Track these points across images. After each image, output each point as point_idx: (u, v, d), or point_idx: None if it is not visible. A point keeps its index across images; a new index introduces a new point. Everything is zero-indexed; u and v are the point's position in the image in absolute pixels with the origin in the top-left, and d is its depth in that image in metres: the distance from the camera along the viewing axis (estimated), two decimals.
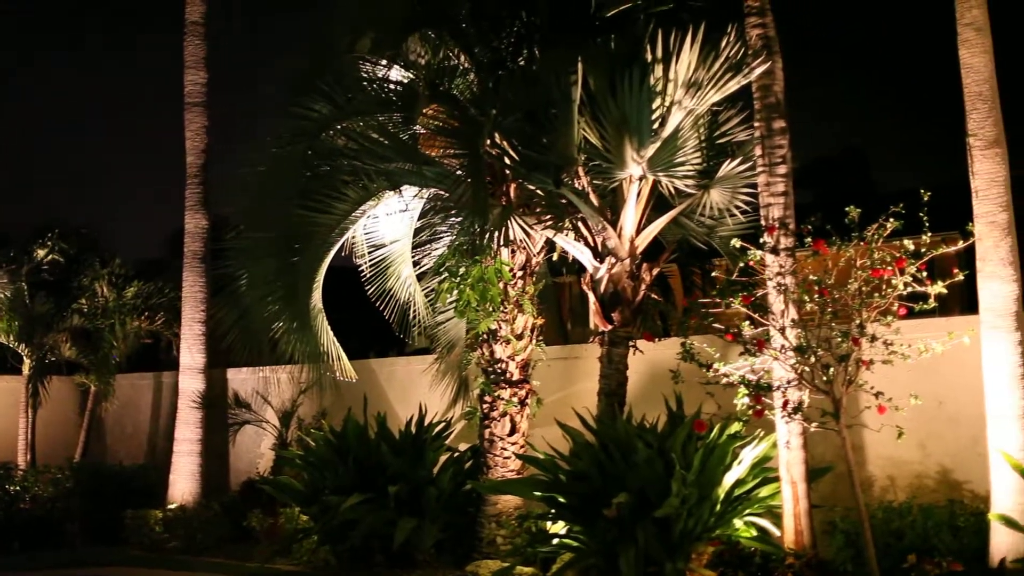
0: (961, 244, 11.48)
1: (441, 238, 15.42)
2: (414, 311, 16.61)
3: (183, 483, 20.04)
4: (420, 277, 16.46)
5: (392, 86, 14.81)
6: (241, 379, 22.40)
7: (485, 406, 15.12)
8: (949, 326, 12.17)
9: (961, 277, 11.18)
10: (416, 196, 15.24)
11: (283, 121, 15.04)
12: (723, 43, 12.96)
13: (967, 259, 11.67)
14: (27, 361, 23.62)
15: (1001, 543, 11.21)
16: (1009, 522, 10.94)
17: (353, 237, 15.78)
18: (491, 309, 14.68)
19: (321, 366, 15.57)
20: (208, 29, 20.77)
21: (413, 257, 16.33)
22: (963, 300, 18.94)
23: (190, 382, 20.41)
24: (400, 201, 15.10)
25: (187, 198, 20.59)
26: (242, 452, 22.04)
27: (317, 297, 15.29)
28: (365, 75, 15.04)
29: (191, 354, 20.46)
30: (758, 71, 12.37)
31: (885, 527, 12.88)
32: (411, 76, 14.73)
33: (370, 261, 16.28)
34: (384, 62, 14.99)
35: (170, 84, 20.94)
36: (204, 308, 20.40)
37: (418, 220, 15.96)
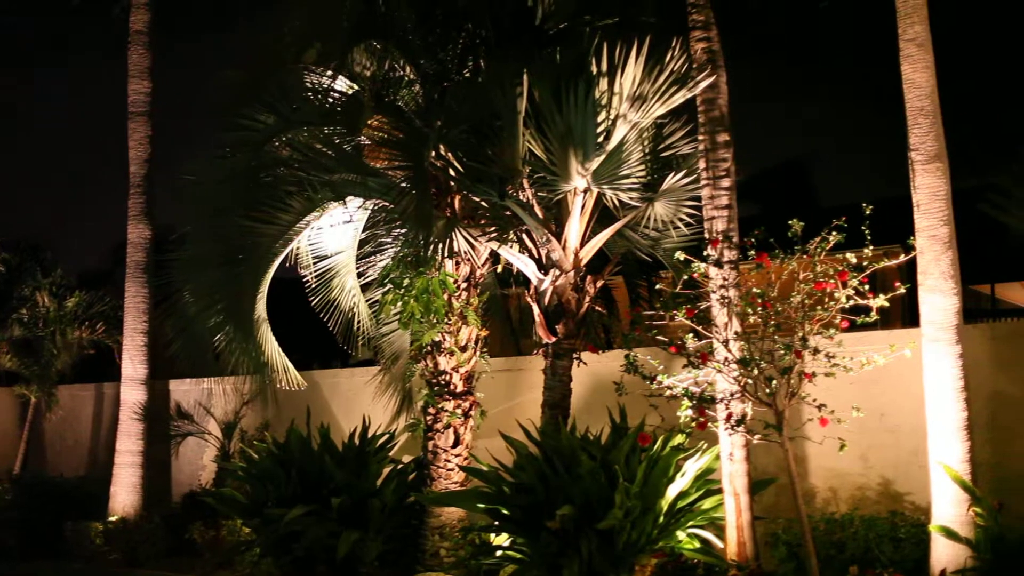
0: (903, 257, 11.54)
1: (386, 249, 15.38)
2: (358, 322, 16.56)
3: (124, 495, 19.88)
4: (364, 288, 16.42)
5: (337, 97, 14.77)
6: (184, 390, 22.28)
7: (429, 418, 15.10)
8: (891, 339, 12.25)
9: (903, 290, 11.25)
10: (361, 207, 15.22)
11: (228, 132, 14.99)
12: (668, 57, 13.01)
13: (909, 272, 11.75)
14: None
15: (942, 554, 11.28)
16: (949, 533, 11.01)
17: (297, 248, 15.72)
18: (435, 321, 14.66)
19: (264, 378, 15.50)
20: (152, 38, 20.65)
21: (357, 268, 16.30)
22: (905, 313, 19.12)
23: (132, 393, 20.25)
24: (345, 212, 15.10)
25: (130, 208, 20.43)
26: (184, 464, 21.91)
27: (261, 308, 15.23)
28: (310, 86, 14.99)
29: (133, 365, 20.31)
30: (703, 84, 12.41)
31: (827, 538, 12.95)
32: (356, 87, 14.70)
33: (314, 272, 16.22)
34: (329, 73, 14.94)
35: (119, 93, 20.78)
36: (147, 319, 20.27)
37: (363, 231, 15.94)
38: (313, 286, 16.28)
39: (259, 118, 14.55)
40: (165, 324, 16.18)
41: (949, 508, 11.17)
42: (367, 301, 16.50)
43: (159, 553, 18.68)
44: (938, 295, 11.30)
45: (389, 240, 14.96)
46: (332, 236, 16.04)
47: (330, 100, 14.76)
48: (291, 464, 15.76)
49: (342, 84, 14.96)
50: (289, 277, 16.50)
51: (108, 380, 24.75)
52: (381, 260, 15.63)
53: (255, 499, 15.89)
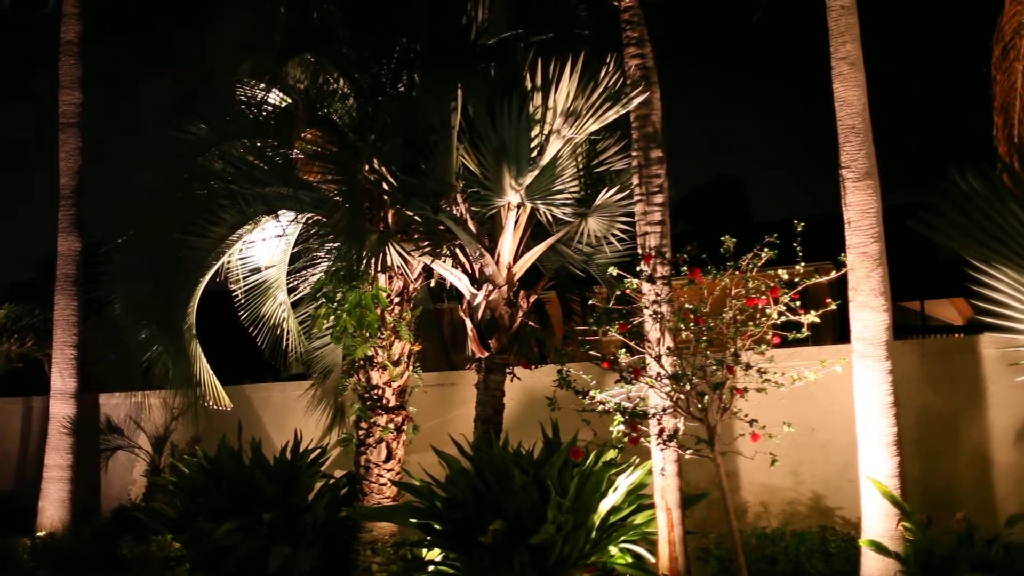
0: (834, 274, 11.63)
1: (318, 264, 15.30)
2: (289, 337, 16.46)
3: (53, 510, 19.67)
4: (296, 303, 16.32)
5: (271, 110, 14.71)
6: (114, 404, 22.07)
7: (361, 432, 15.04)
8: (822, 355, 12.33)
9: (834, 307, 11.33)
10: (293, 221, 15.14)
11: (161, 143, 14.90)
12: (602, 73, 13.05)
13: (840, 289, 11.83)
14: None
15: (872, 568, 11.34)
16: (879, 548, 11.07)
17: (229, 261, 15.61)
18: (368, 335, 14.59)
19: (195, 392, 15.39)
20: (83, 49, 20.49)
21: (289, 283, 16.19)
22: (836, 329, 19.25)
23: (61, 407, 20.04)
24: (277, 226, 15.00)
25: (60, 220, 20.25)
26: (114, 479, 21.69)
27: (192, 322, 15.12)
28: (244, 98, 14.91)
29: (62, 378, 20.10)
30: (636, 101, 12.44)
31: (758, 553, 13.02)
32: (289, 100, 14.65)
33: (245, 286, 16.09)
34: (263, 86, 14.88)
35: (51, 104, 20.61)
36: (76, 332, 20.07)
37: (295, 245, 15.84)
38: (244, 300, 16.16)
39: (192, 130, 14.47)
40: (95, 337, 16.02)
41: (879, 523, 11.24)
42: (298, 316, 16.39)
43: (88, 568, 18.43)
44: (868, 311, 11.37)
45: (322, 254, 14.89)
46: (264, 250, 15.94)
47: (264, 113, 14.70)
48: (222, 478, 15.64)
49: (276, 97, 14.90)
50: (221, 289, 16.38)
51: (37, 394, 24.42)
52: (313, 274, 15.55)
53: (185, 514, 15.74)
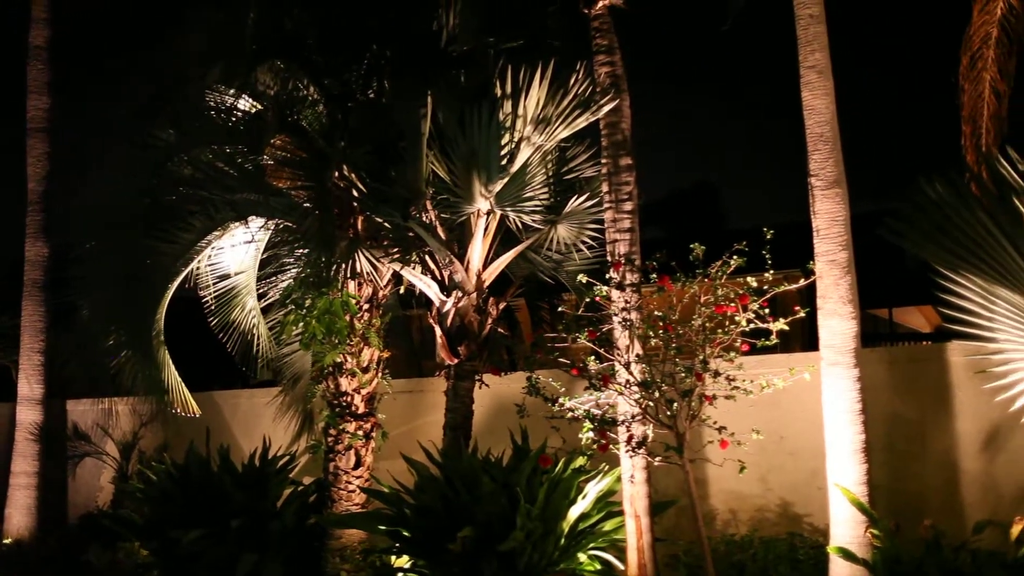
0: (803, 282, 11.64)
1: (287, 270, 15.25)
2: (258, 343, 16.41)
3: (19, 517, 19.59)
4: (266, 309, 16.27)
5: (240, 116, 14.68)
6: (81, 411, 21.96)
7: (330, 439, 15.00)
8: (790, 362, 12.38)
9: (802, 314, 11.37)
10: (262, 227, 15.09)
11: (131, 149, 14.85)
12: (572, 80, 13.10)
13: (809, 296, 11.86)
14: None
15: (840, 575, 11.37)
16: (847, 555, 11.10)
17: (198, 267, 15.56)
18: (337, 342, 14.56)
19: (163, 398, 15.34)
20: (52, 54, 20.42)
21: (259, 289, 16.13)
22: (804, 337, 19.28)
23: (28, 413, 19.96)
24: (246, 232, 14.96)
25: (28, 225, 20.17)
26: (82, 485, 21.60)
27: (160, 328, 15.07)
28: (213, 104, 14.87)
29: (30, 385, 20.02)
30: (606, 108, 12.46)
31: (727, 560, 13.03)
32: (259, 106, 14.62)
33: (215, 292, 16.03)
34: (233, 92, 14.84)
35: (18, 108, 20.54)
36: (44, 338, 19.99)
37: (264, 252, 15.78)
38: (213, 306, 16.10)
39: (163, 136, 14.43)
40: (63, 343, 15.95)
41: (847, 530, 11.26)
42: (268, 322, 16.35)
43: None
44: (837, 319, 11.40)
45: (291, 260, 14.85)
46: (233, 256, 15.89)
47: (234, 119, 14.67)
48: (190, 485, 15.59)
49: (246, 103, 14.87)
50: (190, 295, 16.33)
51: (3, 400, 24.34)
52: (283, 281, 15.50)
53: (153, 521, 15.67)
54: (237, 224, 14.67)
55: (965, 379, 13.37)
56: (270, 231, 15.14)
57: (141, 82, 15.45)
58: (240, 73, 14.52)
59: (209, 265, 15.82)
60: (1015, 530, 10.96)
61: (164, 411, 15.80)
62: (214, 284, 15.99)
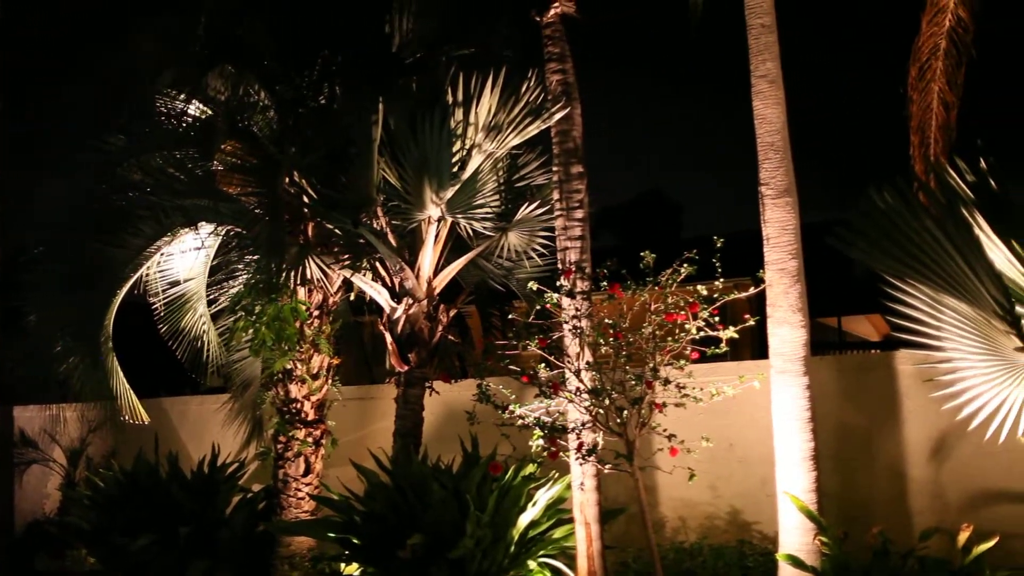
0: (753, 290, 11.68)
1: (237, 276, 15.17)
2: (208, 350, 16.31)
3: None
4: (216, 315, 16.16)
5: (191, 121, 14.60)
6: (28, 417, 21.78)
7: (279, 446, 14.94)
8: (740, 370, 12.40)
9: (752, 322, 11.41)
10: (212, 233, 15.02)
11: (82, 153, 14.75)
12: (524, 88, 13.14)
13: (759, 305, 11.89)
14: None
15: None
16: (796, 562, 11.13)
17: (148, 273, 15.45)
18: (287, 349, 14.51)
19: (111, 405, 15.23)
20: (4, 55, 20.27)
21: (208, 295, 16.01)
22: (754, 345, 19.37)
23: None
24: (196, 238, 14.88)
25: None
26: (28, 492, 21.41)
27: (109, 334, 14.96)
28: (164, 109, 14.78)
29: None
30: (557, 116, 12.48)
31: (676, 567, 13.07)
32: (210, 111, 14.55)
33: (164, 298, 15.91)
34: (183, 96, 14.76)
35: None
36: None
37: (215, 258, 15.69)
38: (162, 313, 15.99)
39: (111, 140, 14.34)
40: (10, 349, 15.81)
41: (796, 537, 11.29)
42: (217, 328, 16.25)
43: None
44: (786, 327, 11.43)
45: (241, 266, 14.78)
46: (183, 262, 15.78)
47: (184, 124, 14.58)
48: (138, 492, 15.50)
49: (196, 108, 14.79)
50: (140, 301, 16.21)
51: None
52: (232, 287, 15.41)
53: (101, 528, 15.58)
54: (187, 230, 14.58)
55: (913, 387, 13.46)
56: (220, 237, 15.08)
57: (93, 86, 15.36)
58: (191, 78, 14.44)
59: (159, 271, 15.71)
60: (962, 537, 11.04)
61: (113, 418, 15.64)
62: (163, 290, 15.86)
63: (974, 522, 11.27)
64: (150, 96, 14.71)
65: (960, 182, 8.00)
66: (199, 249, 15.37)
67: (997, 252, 7.77)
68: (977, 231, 7.74)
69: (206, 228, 14.72)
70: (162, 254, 15.26)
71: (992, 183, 7.93)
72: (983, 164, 7.98)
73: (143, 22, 14.97)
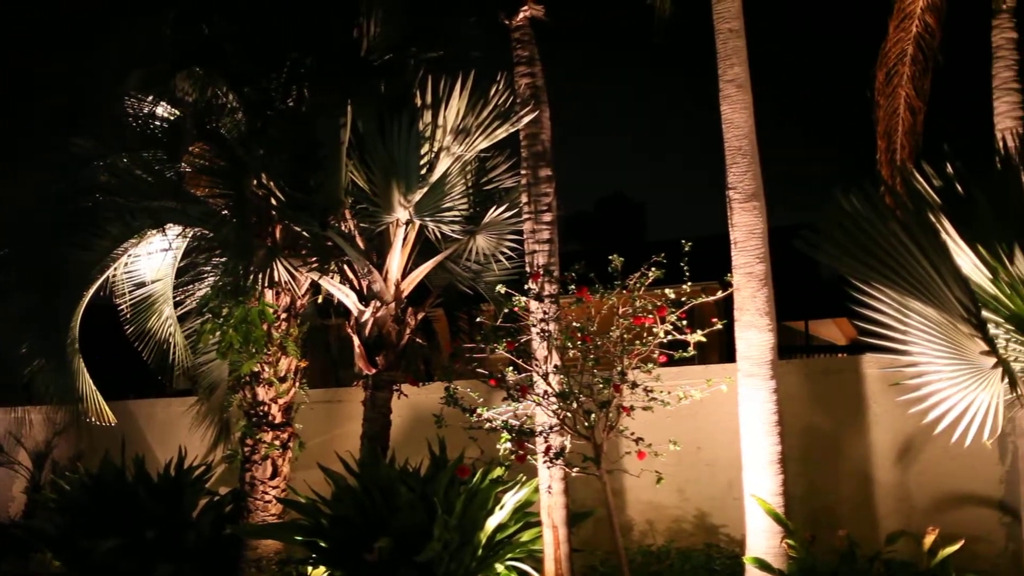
0: (720, 294, 11.70)
1: (205, 278, 15.10)
2: (174, 352, 16.24)
3: None
4: (182, 318, 16.10)
5: (159, 123, 14.55)
6: None
7: (247, 449, 14.89)
8: (708, 373, 12.44)
9: (720, 326, 11.43)
10: (180, 235, 14.98)
11: (50, 155, 14.68)
12: (492, 91, 13.15)
13: (726, 308, 11.92)
14: None
15: None
16: (763, 565, 11.16)
17: (114, 275, 15.39)
18: (254, 351, 14.46)
19: (77, 407, 15.16)
20: None
21: (175, 297, 15.95)
22: (722, 348, 19.41)
23: None
24: (164, 240, 14.82)
25: None
26: None
27: (75, 336, 14.90)
28: (132, 111, 14.73)
29: None
30: (526, 120, 12.50)
31: (644, 571, 13.09)
32: (178, 113, 14.50)
33: (130, 300, 15.85)
34: (151, 98, 14.71)
35: None
36: None
37: (182, 260, 15.62)
38: (129, 315, 15.92)
39: (79, 142, 14.28)
40: None
41: (763, 540, 11.33)
42: (184, 331, 16.18)
43: None
44: (754, 331, 11.47)
45: (208, 269, 14.72)
46: (150, 264, 15.73)
47: (151, 126, 14.53)
48: (104, 495, 15.43)
49: (164, 110, 14.74)
50: (107, 303, 16.14)
51: None
52: (200, 289, 15.35)
53: (67, 531, 15.50)
54: (155, 232, 14.54)
55: (879, 391, 13.52)
56: (188, 239, 15.03)
57: (61, 87, 15.28)
58: (159, 80, 14.39)
59: (125, 273, 15.64)
60: (928, 541, 11.10)
61: (79, 420, 15.59)
62: (130, 292, 15.82)
63: (940, 525, 11.34)
64: (118, 98, 14.66)
65: (927, 187, 8.03)
66: (166, 251, 15.31)
67: (963, 256, 7.80)
68: (943, 235, 7.77)
69: (174, 230, 14.68)
70: (129, 256, 15.20)
71: (958, 188, 7.96)
72: (949, 169, 8.01)
73: (112, 23, 14.91)
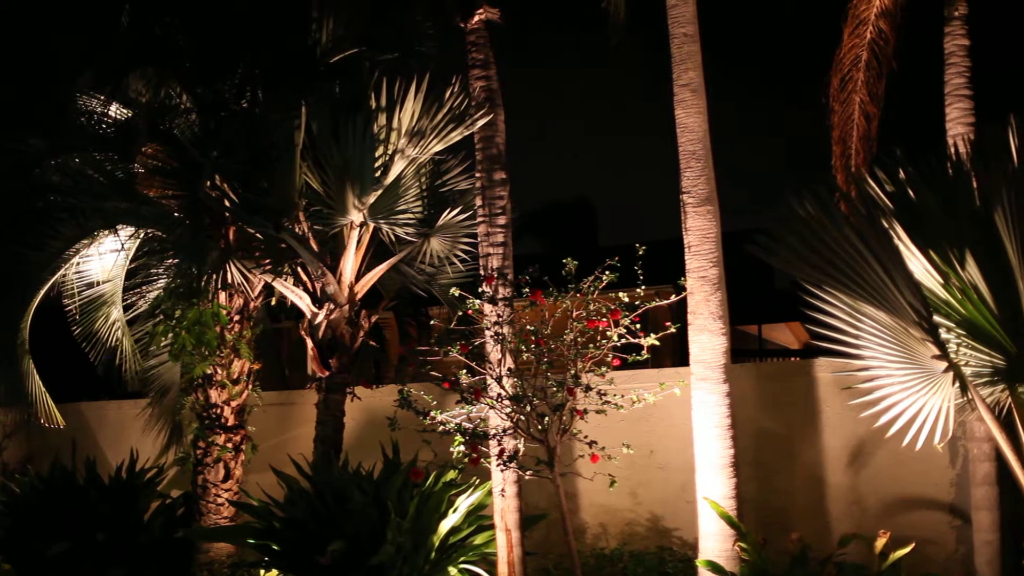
0: (674, 297, 11.71)
1: (156, 280, 14.99)
2: (121, 353, 16.13)
3: None
4: (133, 319, 16.00)
5: (111, 123, 14.46)
6: None
7: (199, 452, 14.84)
8: (661, 377, 12.46)
9: (673, 329, 11.44)
10: (133, 236, 14.89)
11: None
12: (447, 94, 13.16)
13: (680, 312, 11.94)
14: None
15: None
16: (715, 568, 11.18)
17: (65, 276, 15.28)
18: (207, 353, 14.41)
19: (27, 410, 15.05)
20: None
21: (127, 299, 15.85)
22: (675, 352, 19.45)
23: None
24: (116, 240, 14.74)
25: None
26: None
27: (25, 337, 14.79)
28: (84, 111, 14.64)
29: None
30: (481, 123, 12.48)
31: (597, 573, 13.10)
32: (130, 113, 14.42)
33: (80, 301, 15.74)
34: (104, 98, 14.62)
35: None
36: None
37: (133, 261, 15.50)
38: (78, 316, 15.80)
39: (31, 142, 14.18)
40: None
41: (715, 543, 11.34)
42: (135, 333, 16.07)
43: None
44: (707, 335, 11.49)
45: (161, 270, 14.64)
46: (101, 264, 15.63)
47: (104, 126, 14.45)
48: (55, 498, 15.31)
49: (117, 110, 14.66)
50: (57, 304, 16.01)
51: None
52: (150, 291, 15.26)
53: (17, 534, 15.36)
54: (107, 233, 14.44)
55: (831, 395, 13.57)
56: (140, 240, 14.95)
57: (11, 84, 15.16)
58: (112, 79, 14.31)
59: (76, 273, 15.54)
60: (879, 544, 11.14)
61: (29, 422, 15.47)
62: (80, 293, 15.71)
63: (891, 528, 11.39)
64: (71, 97, 14.57)
65: (880, 192, 8.07)
66: (119, 251, 15.22)
67: (915, 262, 7.85)
68: (896, 241, 7.82)
69: (126, 231, 14.59)
70: (81, 256, 15.09)
71: (911, 193, 8.01)
72: (902, 174, 8.06)
73: (64, 22, 14.82)
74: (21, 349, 14.72)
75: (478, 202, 12.46)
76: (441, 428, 11.71)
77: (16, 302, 14.45)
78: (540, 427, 11.20)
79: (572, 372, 11.24)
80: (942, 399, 8.07)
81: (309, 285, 14.08)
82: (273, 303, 15.70)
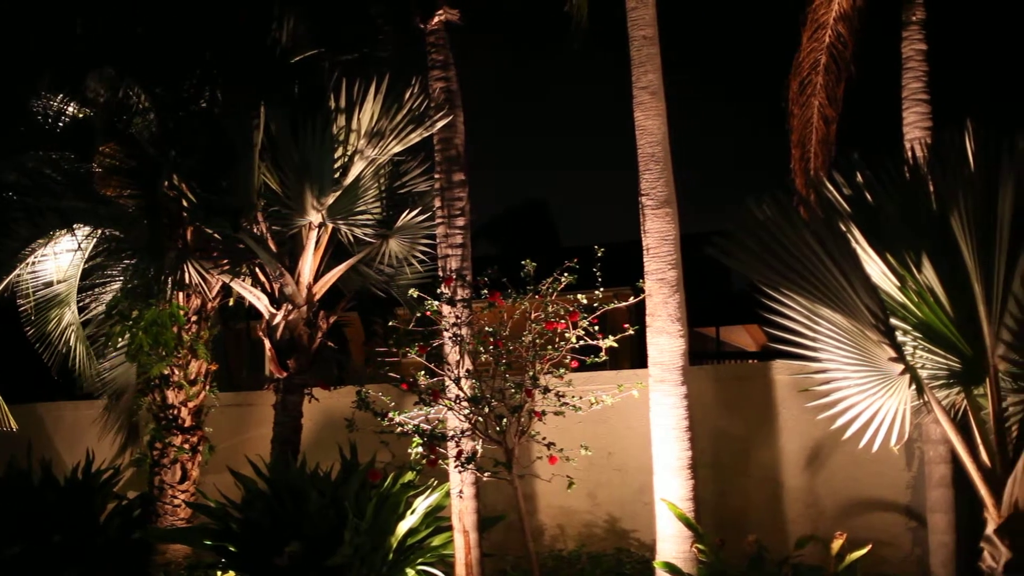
0: (633, 299, 11.73)
1: (112, 281, 14.94)
2: (75, 354, 16.01)
3: None
4: (90, 320, 15.91)
5: (68, 122, 14.40)
6: None
7: (156, 453, 14.78)
8: (619, 379, 12.47)
9: (632, 332, 11.44)
10: (90, 236, 14.80)
11: None
12: (407, 95, 13.13)
13: (638, 314, 11.96)
14: None
15: None
16: (673, 569, 11.19)
17: (19, 276, 15.18)
18: (164, 354, 14.36)
19: None
20: None
21: (81, 300, 15.74)
22: (634, 354, 19.50)
23: None
24: (72, 240, 14.65)
25: None
26: None
27: None
28: (41, 109, 14.56)
29: None
30: (440, 124, 12.47)
31: (555, 575, 13.09)
32: (88, 112, 14.35)
33: (35, 300, 15.63)
34: (62, 97, 14.55)
35: None
36: None
37: (89, 261, 15.38)
38: (33, 316, 15.68)
39: None
40: None
41: (673, 545, 11.36)
42: (91, 333, 15.97)
43: None
44: (665, 337, 11.51)
45: (117, 271, 14.57)
46: (57, 264, 15.52)
47: (61, 125, 14.39)
48: (9, 500, 15.20)
49: (75, 109, 14.59)
50: (11, 304, 15.89)
51: None
52: (105, 292, 15.18)
53: None
54: (64, 232, 14.36)
55: (789, 397, 13.64)
56: (96, 239, 14.86)
57: None
58: (70, 78, 14.25)
59: (31, 273, 15.42)
60: (835, 545, 11.18)
61: None
62: (35, 293, 15.58)
63: (848, 530, 11.42)
64: (27, 95, 14.49)
65: (837, 196, 8.11)
66: (76, 251, 15.12)
67: (872, 265, 7.89)
68: (854, 244, 7.86)
69: (83, 230, 14.50)
70: (36, 256, 15.00)
71: (868, 197, 8.05)
72: (860, 178, 8.10)
73: (22, 22, 14.74)
74: None
75: (437, 203, 12.44)
76: (399, 430, 11.67)
77: None
78: (498, 429, 11.19)
79: (530, 374, 11.23)
80: (898, 401, 8.12)
81: (267, 286, 14.04)
82: (232, 303, 15.64)
